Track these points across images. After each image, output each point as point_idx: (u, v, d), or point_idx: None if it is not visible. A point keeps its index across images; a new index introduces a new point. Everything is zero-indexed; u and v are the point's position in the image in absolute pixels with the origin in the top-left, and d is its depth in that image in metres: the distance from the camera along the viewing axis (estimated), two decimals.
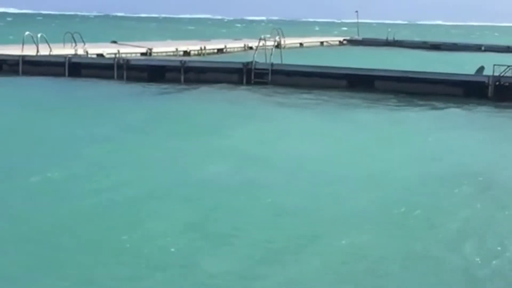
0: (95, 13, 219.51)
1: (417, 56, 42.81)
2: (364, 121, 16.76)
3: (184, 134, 14.29)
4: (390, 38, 59.86)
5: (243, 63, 22.88)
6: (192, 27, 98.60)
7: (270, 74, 22.75)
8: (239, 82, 21.62)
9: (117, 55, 32.79)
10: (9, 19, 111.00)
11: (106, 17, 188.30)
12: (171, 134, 14.23)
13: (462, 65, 30.71)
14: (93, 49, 32.32)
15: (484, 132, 16.13)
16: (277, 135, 14.60)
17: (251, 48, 46.29)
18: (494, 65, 21.29)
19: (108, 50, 33.39)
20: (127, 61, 24.83)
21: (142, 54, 35.44)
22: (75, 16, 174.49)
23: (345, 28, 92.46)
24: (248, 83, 22.06)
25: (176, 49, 38.36)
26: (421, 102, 20.07)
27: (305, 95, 20.66)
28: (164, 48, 38.02)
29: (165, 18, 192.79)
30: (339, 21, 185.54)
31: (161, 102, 19.20)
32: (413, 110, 18.96)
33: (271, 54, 23.14)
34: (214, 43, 46.11)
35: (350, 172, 11.41)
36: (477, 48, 57.00)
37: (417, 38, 65.89)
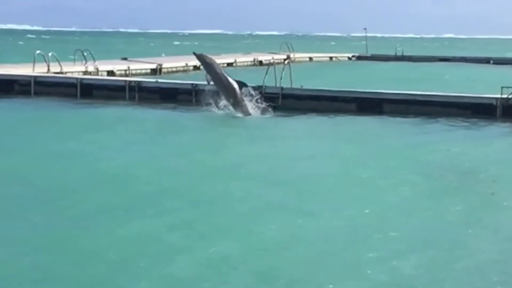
0: (105, 29, 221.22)
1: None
2: (376, 143, 17.01)
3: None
4: (399, 54, 60.26)
5: (253, 87, 23.00)
6: (203, 42, 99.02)
7: (280, 98, 22.97)
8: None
9: (127, 71, 33.18)
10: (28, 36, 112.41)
11: (117, 33, 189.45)
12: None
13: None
14: (104, 66, 32.66)
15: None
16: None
17: (260, 62, 46.61)
18: (502, 87, 21.48)
19: (118, 66, 33.74)
20: (138, 83, 25.06)
21: (152, 70, 35.79)
22: (86, 32, 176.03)
23: (356, 43, 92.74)
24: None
25: (186, 64, 38.63)
26: (429, 124, 20.33)
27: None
28: (174, 64, 38.30)
29: (175, 33, 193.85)
30: (347, 35, 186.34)
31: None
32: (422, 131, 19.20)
33: (281, 78, 23.30)
34: (224, 57, 46.36)
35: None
36: (486, 61, 57.42)
37: (426, 52, 66.21)
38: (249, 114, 20.92)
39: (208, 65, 22.08)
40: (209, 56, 23.03)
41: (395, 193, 11.76)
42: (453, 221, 10.34)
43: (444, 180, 12.98)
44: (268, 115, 20.97)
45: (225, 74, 21.65)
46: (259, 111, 21.04)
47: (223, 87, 21.24)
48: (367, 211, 10.64)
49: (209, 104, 20.91)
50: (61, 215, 10.12)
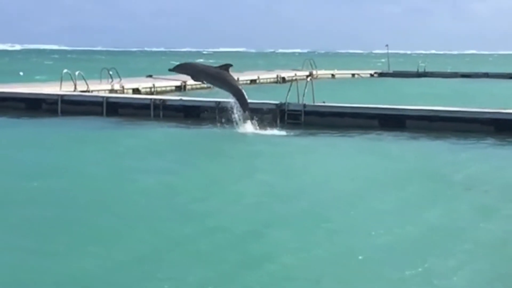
0: (131, 49, 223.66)
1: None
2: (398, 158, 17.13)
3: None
4: (421, 70, 60.41)
5: (276, 104, 23.32)
6: (227, 60, 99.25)
7: (303, 115, 23.24)
8: (273, 122, 22.00)
9: (153, 89, 33.62)
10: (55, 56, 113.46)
11: (142, 52, 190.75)
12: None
13: None
14: (129, 84, 33.10)
15: None
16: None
17: (283, 78, 47.00)
18: None
19: (143, 84, 34.17)
20: (163, 101, 25.43)
21: (176, 87, 36.22)
22: (111, 52, 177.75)
23: (378, 59, 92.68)
24: (282, 123, 22.52)
25: None
26: (453, 141, 20.32)
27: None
28: None
29: (199, 52, 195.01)
30: (369, 52, 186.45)
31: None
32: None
33: (303, 95, 23.52)
34: (247, 74, 46.75)
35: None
36: (509, 77, 57.37)
37: (448, 69, 66.12)
38: (246, 100, 21.07)
39: (190, 71, 22.43)
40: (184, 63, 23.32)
41: (429, 211, 11.74)
42: (495, 239, 10.30)
43: (475, 199, 12.85)
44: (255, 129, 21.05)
45: (207, 66, 22.07)
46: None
47: (214, 79, 21.65)
48: (405, 229, 10.62)
49: (232, 121, 21.12)
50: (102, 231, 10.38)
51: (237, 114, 21.12)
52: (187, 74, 23.01)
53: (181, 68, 22.63)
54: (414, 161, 16.85)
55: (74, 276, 8.52)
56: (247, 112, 21.12)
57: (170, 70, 22.94)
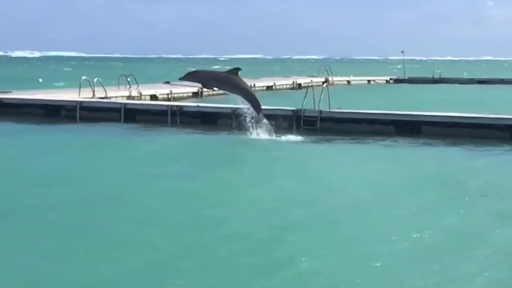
0: (148, 55, 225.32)
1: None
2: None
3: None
4: (437, 76, 60.41)
5: (292, 110, 23.45)
6: (243, 66, 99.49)
7: (319, 121, 23.34)
8: (289, 128, 22.17)
9: (170, 95, 33.85)
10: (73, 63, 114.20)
11: (160, 59, 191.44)
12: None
13: None
14: (147, 90, 33.38)
15: None
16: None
17: (299, 85, 47.12)
18: None
19: (161, 91, 34.42)
20: (180, 107, 25.61)
21: (193, 93, 36.43)
22: (129, 58, 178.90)
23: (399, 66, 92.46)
24: (298, 129, 22.61)
25: None
26: (468, 147, 20.24)
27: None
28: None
29: (216, 58, 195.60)
30: (385, 59, 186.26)
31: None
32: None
33: (319, 101, 23.62)
34: (263, 80, 46.93)
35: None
36: None
37: (464, 75, 65.97)
38: (259, 102, 21.14)
39: (199, 78, 22.54)
40: (193, 71, 23.47)
41: (446, 218, 11.76)
42: None
43: (492, 205, 12.83)
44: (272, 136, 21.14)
45: (216, 72, 22.11)
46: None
47: (224, 84, 21.80)
48: (421, 235, 10.65)
49: (248, 127, 21.21)
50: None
51: (250, 120, 21.20)
52: (197, 81, 23.18)
53: (190, 76, 22.74)
54: (430, 167, 16.87)
55: (91, 281, 8.65)
56: (260, 114, 21.24)
57: (180, 79, 23.04)
